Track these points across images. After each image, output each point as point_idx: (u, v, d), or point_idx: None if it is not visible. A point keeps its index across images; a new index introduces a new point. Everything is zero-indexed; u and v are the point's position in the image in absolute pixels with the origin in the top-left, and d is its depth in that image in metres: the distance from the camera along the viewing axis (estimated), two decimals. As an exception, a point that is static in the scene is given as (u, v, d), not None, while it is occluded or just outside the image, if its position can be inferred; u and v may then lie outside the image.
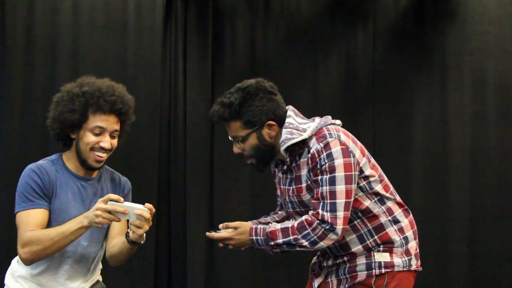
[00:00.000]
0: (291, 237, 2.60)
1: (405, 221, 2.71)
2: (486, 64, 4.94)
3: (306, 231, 2.58)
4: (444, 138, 4.93)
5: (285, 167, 2.71)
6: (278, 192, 2.89)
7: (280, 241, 2.62)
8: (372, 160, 2.72)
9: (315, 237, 2.57)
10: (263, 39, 4.92)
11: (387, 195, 2.69)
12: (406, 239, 2.69)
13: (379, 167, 2.73)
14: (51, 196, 2.59)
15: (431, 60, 4.97)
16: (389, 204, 2.69)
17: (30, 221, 2.53)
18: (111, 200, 2.40)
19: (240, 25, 4.92)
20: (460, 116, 4.93)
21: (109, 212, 2.39)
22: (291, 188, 2.71)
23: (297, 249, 2.63)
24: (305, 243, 2.59)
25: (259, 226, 2.69)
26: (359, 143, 2.69)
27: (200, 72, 4.84)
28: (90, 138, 2.60)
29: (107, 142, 2.61)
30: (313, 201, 2.61)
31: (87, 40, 4.66)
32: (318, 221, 2.56)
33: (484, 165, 4.91)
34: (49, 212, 2.59)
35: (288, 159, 2.67)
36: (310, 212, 2.61)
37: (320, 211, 2.56)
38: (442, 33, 4.96)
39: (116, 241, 2.72)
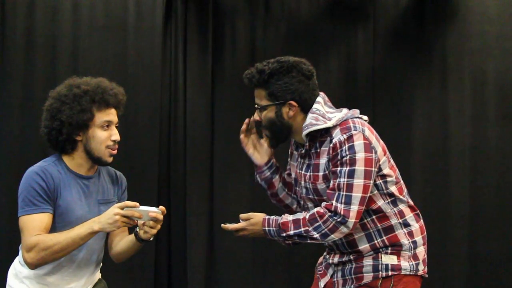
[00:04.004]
0: (302, 229, 2.59)
1: (416, 225, 2.70)
2: (486, 64, 4.94)
3: (317, 223, 2.57)
4: (444, 138, 4.93)
5: (303, 151, 2.70)
6: (293, 175, 2.87)
7: (291, 232, 2.61)
8: (392, 161, 2.71)
9: (326, 229, 2.56)
10: (263, 39, 4.92)
11: (401, 197, 2.68)
12: (415, 243, 2.68)
13: (397, 169, 2.72)
14: (55, 199, 2.59)
15: (431, 60, 4.97)
16: (402, 206, 2.68)
17: (36, 225, 2.53)
18: (128, 206, 2.49)
19: (240, 25, 4.92)
20: (460, 116, 4.92)
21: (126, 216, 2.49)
22: (308, 174, 2.69)
23: (308, 241, 2.62)
24: (316, 235, 2.57)
25: (272, 217, 2.68)
26: (381, 141, 2.68)
27: (200, 72, 4.84)
28: (101, 134, 2.63)
29: (117, 134, 2.67)
30: (328, 191, 2.60)
31: (87, 40, 4.66)
32: (330, 213, 2.55)
33: (484, 165, 4.91)
34: (53, 214, 2.59)
35: (307, 144, 2.67)
36: (323, 204, 2.60)
37: (334, 202, 2.55)
38: (442, 33, 4.96)
39: (119, 239, 2.76)
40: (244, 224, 2.70)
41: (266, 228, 2.66)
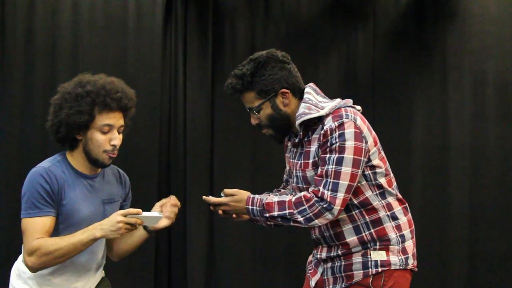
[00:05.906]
0: (287, 211, 2.59)
1: (404, 219, 2.70)
2: (486, 64, 4.94)
3: (303, 207, 2.57)
4: (444, 138, 4.93)
5: (296, 140, 2.71)
6: (287, 167, 2.87)
7: (275, 213, 2.60)
8: (382, 152, 2.71)
9: (311, 214, 2.56)
10: (263, 39, 4.92)
11: (389, 189, 2.68)
12: (402, 237, 2.67)
13: (387, 162, 2.72)
14: (59, 201, 2.58)
15: (431, 60, 4.97)
16: (390, 199, 2.68)
17: (38, 228, 2.52)
18: (131, 213, 2.51)
19: (240, 25, 4.92)
20: (460, 116, 4.93)
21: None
22: (299, 162, 2.70)
23: (291, 224, 2.61)
24: (300, 218, 2.57)
25: (256, 196, 2.68)
26: (373, 132, 2.68)
27: (200, 72, 4.84)
28: (99, 137, 2.59)
29: (117, 138, 2.62)
30: (316, 177, 2.60)
31: (87, 40, 4.67)
32: (316, 198, 2.55)
33: (484, 165, 4.91)
34: (57, 216, 2.58)
35: (301, 133, 2.67)
36: (310, 189, 2.60)
37: (321, 188, 2.55)
38: (442, 33, 4.96)
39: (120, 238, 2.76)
40: (227, 199, 2.70)
41: (250, 207, 2.66)
